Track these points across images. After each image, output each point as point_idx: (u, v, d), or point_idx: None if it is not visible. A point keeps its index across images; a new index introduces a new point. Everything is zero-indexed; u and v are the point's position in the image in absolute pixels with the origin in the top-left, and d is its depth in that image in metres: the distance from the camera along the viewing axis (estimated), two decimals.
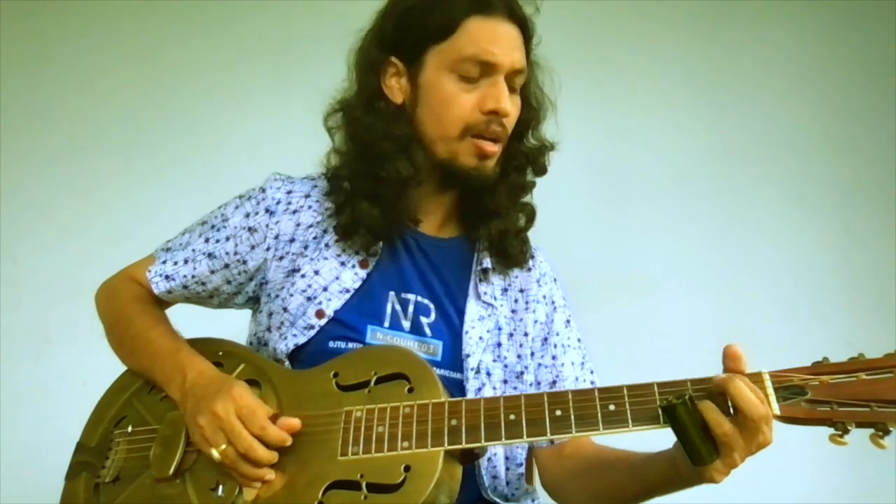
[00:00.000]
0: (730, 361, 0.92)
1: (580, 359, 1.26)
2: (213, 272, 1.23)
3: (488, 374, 1.17)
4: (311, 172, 1.27)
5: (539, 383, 1.23)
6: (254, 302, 1.26)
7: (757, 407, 0.86)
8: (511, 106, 1.13)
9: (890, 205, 2.34)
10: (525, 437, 0.95)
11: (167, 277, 1.24)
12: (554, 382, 1.23)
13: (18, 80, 2.31)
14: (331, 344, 1.13)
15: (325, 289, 1.16)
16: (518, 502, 1.21)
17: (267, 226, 1.20)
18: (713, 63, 2.45)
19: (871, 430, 0.86)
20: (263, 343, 1.20)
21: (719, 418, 0.87)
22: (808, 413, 0.88)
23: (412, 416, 0.97)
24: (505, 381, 1.19)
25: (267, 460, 0.98)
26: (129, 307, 1.24)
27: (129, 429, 1.13)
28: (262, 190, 1.23)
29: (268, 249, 1.20)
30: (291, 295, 1.17)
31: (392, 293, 1.18)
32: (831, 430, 0.87)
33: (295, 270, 1.19)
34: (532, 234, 1.28)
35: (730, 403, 0.87)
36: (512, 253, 1.23)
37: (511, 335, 1.22)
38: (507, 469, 1.20)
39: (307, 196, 1.23)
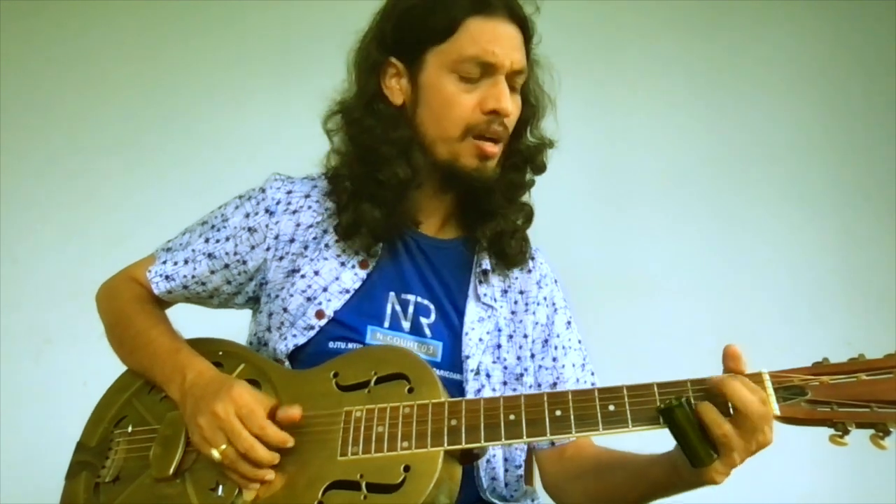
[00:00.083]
0: (729, 361, 0.92)
1: (581, 360, 1.26)
2: (213, 272, 1.23)
3: (488, 375, 1.17)
4: (311, 172, 1.27)
5: (539, 385, 1.23)
6: (254, 302, 1.26)
7: (755, 406, 0.86)
8: (512, 106, 1.13)
9: (890, 205, 2.34)
10: (525, 437, 0.95)
11: (167, 277, 1.24)
12: (554, 384, 1.22)
13: (18, 80, 2.32)
14: (331, 344, 1.13)
15: (324, 289, 1.16)
16: (517, 503, 1.21)
17: (267, 226, 1.20)
18: (713, 63, 2.45)
19: (872, 431, 0.86)
20: (263, 343, 1.20)
21: (718, 419, 0.87)
22: (809, 413, 0.88)
23: (412, 416, 0.97)
24: (504, 383, 1.19)
25: (267, 461, 0.98)
26: (130, 307, 1.24)
27: (129, 429, 1.13)
28: (262, 190, 1.23)
29: (268, 250, 1.20)
30: (291, 295, 1.17)
31: (392, 294, 1.18)
32: (831, 431, 0.87)
33: (295, 271, 1.19)
34: (532, 235, 1.27)
35: (729, 404, 0.87)
36: (510, 253, 1.22)
37: (511, 337, 1.22)
38: (506, 471, 1.20)
39: (307, 196, 1.23)
